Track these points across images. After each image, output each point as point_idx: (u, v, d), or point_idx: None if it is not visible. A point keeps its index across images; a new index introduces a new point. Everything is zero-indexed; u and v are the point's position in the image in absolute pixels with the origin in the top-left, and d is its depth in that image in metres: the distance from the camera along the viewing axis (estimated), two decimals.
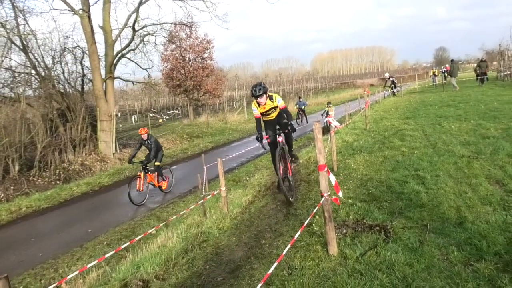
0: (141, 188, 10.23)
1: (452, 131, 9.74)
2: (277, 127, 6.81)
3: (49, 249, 7.74)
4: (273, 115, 6.79)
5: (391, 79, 29.42)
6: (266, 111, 6.65)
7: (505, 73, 26.69)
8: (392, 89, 28.49)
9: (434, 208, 4.86)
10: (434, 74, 33.64)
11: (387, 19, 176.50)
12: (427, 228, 4.28)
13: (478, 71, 26.26)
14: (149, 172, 10.65)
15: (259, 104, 6.48)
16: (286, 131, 6.57)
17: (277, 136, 6.58)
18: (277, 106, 6.59)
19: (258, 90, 6.24)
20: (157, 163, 10.75)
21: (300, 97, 28.37)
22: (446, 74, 29.55)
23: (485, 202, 4.85)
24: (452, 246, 3.76)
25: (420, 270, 3.42)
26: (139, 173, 10.42)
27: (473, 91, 20.50)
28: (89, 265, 4.35)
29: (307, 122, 23.99)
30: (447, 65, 26.90)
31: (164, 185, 11.01)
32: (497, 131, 8.87)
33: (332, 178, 4.20)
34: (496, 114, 11.27)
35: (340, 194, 4.39)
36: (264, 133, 6.81)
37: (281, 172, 6.28)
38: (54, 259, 7.26)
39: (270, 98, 6.50)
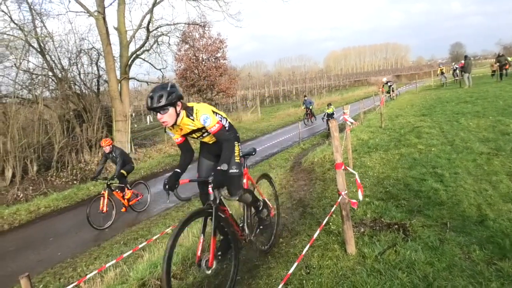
0: (105, 209, 8.82)
1: (470, 127, 9.56)
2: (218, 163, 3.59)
3: (67, 249, 7.86)
4: (208, 139, 3.96)
5: (388, 83, 28.74)
6: (188, 134, 3.81)
7: None
8: (389, 93, 27.82)
9: (453, 206, 4.77)
10: (441, 71, 32.49)
11: (401, 16, 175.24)
12: (447, 226, 4.20)
13: (496, 66, 25.67)
14: (116, 190, 9.41)
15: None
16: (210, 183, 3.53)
17: (209, 184, 3.55)
18: (204, 128, 3.67)
19: (157, 98, 3.34)
20: (122, 171, 9.30)
21: (305, 96, 27.60)
22: (458, 70, 28.92)
23: (507, 200, 4.74)
24: (473, 245, 3.68)
25: (441, 269, 3.36)
26: (102, 192, 9.05)
27: (491, 87, 20.10)
28: (107, 265, 4.40)
29: (315, 120, 23.22)
30: (462, 61, 26.36)
31: (127, 194, 9.50)
32: None
33: (356, 174, 4.16)
34: None
35: (360, 196, 4.25)
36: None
37: (198, 253, 3.50)
38: (72, 258, 7.36)
39: (189, 113, 3.58)
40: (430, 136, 9.24)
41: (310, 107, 23.50)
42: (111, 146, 9.32)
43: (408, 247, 3.80)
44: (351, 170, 4.22)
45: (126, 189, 9.55)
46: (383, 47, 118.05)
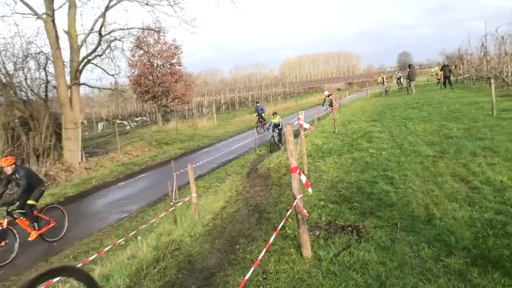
0: (3, 243, 7.37)
1: (417, 132, 10.01)
2: None
3: (11, 265, 7.36)
4: None
5: (330, 96, 29.34)
6: None
7: (465, 76, 27.80)
8: (331, 106, 28.33)
9: (403, 207, 4.96)
10: (382, 80, 31.87)
11: (353, 25, 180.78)
12: (398, 226, 4.35)
13: (441, 74, 26.65)
14: (20, 218, 7.90)
15: None
16: None
17: None
18: None
19: None
20: (30, 202, 7.89)
21: (258, 102, 26.65)
22: (403, 79, 30.08)
23: (451, 199, 4.99)
24: (422, 243, 3.83)
25: (393, 268, 3.46)
26: (1, 221, 7.49)
27: (436, 94, 21.22)
28: (54, 280, 4.16)
29: (264, 131, 21.33)
30: (407, 70, 27.45)
31: (26, 222, 7.98)
32: (460, 131, 9.18)
33: (303, 178, 4.21)
34: (458, 115, 11.68)
35: (310, 190, 4.37)
36: None
37: None
38: (16, 275, 6.91)
39: None
40: (381, 141, 9.58)
41: (262, 114, 22.73)
42: (13, 166, 7.78)
43: (362, 248, 3.89)
44: (303, 176, 4.27)
45: (32, 216, 8.02)
46: (336, 56, 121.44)
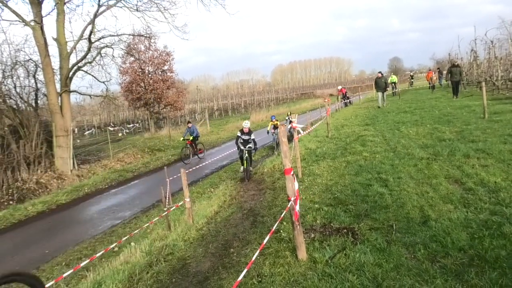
0: None
1: (410, 135, 10.03)
2: None
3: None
4: None
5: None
6: None
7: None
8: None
9: (398, 209, 4.93)
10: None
11: (344, 31, 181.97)
12: (393, 228, 4.32)
13: (448, 79, 20.31)
14: None
15: None
16: None
17: None
18: None
19: None
20: None
21: (189, 122, 18.27)
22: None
23: (446, 201, 4.98)
24: (418, 244, 3.80)
25: (389, 269, 3.42)
26: None
27: (427, 98, 21.35)
28: (47, 285, 4.08)
29: (203, 155, 17.13)
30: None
31: None
32: (452, 134, 9.22)
33: (295, 185, 4.15)
34: (450, 119, 11.74)
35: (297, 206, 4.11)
36: None
37: None
38: (5, 284, 6.77)
39: None
40: (374, 144, 9.58)
41: (190, 138, 16.31)
42: None
43: (357, 250, 3.85)
44: (295, 183, 4.21)
45: None
46: (328, 61, 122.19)
